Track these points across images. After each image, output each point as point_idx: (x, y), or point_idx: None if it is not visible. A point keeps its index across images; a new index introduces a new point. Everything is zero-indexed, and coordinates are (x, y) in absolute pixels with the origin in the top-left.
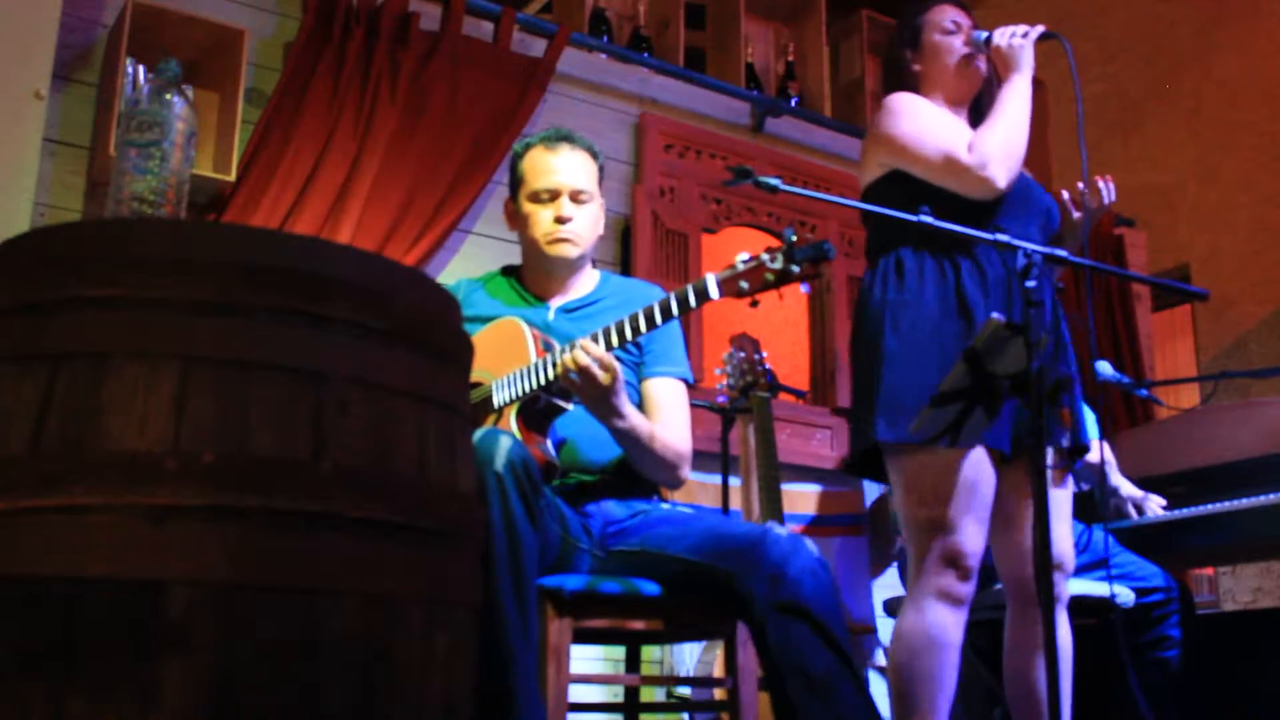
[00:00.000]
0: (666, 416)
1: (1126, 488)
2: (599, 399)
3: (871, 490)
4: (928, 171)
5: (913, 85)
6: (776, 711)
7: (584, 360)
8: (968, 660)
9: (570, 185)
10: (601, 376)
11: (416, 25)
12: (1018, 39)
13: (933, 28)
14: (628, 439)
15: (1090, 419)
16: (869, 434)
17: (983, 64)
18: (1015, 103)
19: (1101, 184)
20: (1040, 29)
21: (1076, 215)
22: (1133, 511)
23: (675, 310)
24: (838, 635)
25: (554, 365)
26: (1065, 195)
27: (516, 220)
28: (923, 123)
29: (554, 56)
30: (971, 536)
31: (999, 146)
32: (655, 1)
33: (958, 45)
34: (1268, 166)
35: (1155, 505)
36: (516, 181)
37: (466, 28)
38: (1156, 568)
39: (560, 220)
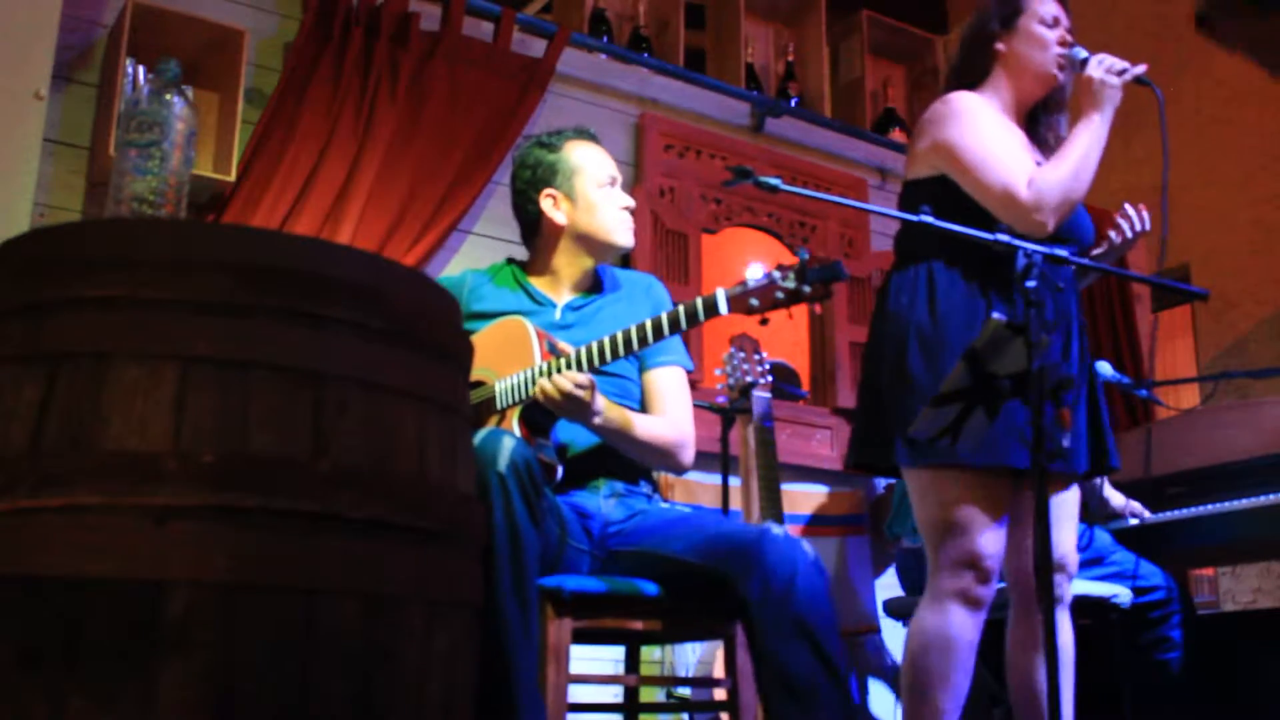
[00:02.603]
0: (667, 405)
1: (1116, 499)
2: (579, 413)
3: (873, 490)
4: (981, 195)
5: (986, 65)
6: (764, 712)
7: (566, 387)
8: None
9: (620, 177)
10: (583, 395)
11: (416, 25)
12: (1112, 76)
13: (1032, 14)
14: (607, 433)
15: None
16: (888, 454)
17: (1062, 74)
18: (1087, 145)
19: (1134, 214)
20: (1139, 70)
21: (1118, 239)
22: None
23: (683, 324)
24: (824, 640)
25: (536, 385)
26: (1129, 209)
27: (575, 210)
28: (986, 140)
29: (554, 56)
30: (989, 539)
31: (1058, 191)
32: (655, 1)
33: (1050, 40)
34: (1268, 166)
35: (1143, 511)
36: (570, 172)
37: (466, 28)
38: (1155, 568)
39: (626, 208)
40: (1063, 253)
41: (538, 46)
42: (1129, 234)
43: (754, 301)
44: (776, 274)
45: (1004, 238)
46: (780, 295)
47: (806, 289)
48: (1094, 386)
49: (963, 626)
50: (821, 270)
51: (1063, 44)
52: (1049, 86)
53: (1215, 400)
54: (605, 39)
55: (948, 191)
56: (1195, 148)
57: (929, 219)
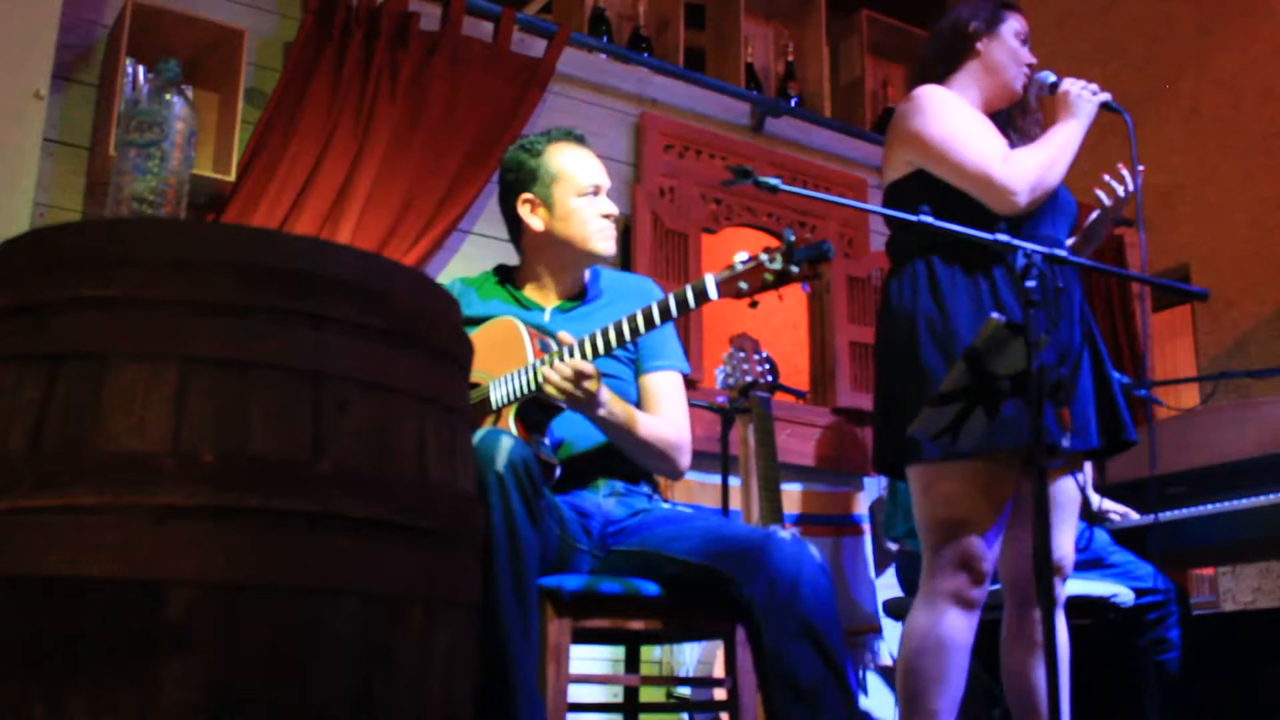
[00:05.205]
0: (664, 408)
1: (1098, 501)
2: (584, 404)
3: (871, 490)
4: (957, 176)
5: (959, 59)
6: (766, 715)
7: (570, 373)
8: None
9: (606, 183)
10: (588, 385)
11: (416, 25)
12: (1087, 94)
13: (1011, 27)
14: (611, 428)
15: None
16: (914, 450)
17: (1021, 89)
18: (1064, 140)
19: (1116, 184)
20: (1107, 96)
21: (1109, 201)
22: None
23: (674, 311)
24: (831, 644)
25: (539, 377)
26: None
27: (552, 218)
28: (958, 125)
29: (554, 56)
30: (986, 540)
31: (1034, 172)
32: (655, 1)
33: (1024, 56)
34: (1268, 166)
35: (1129, 513)
36: (549, 178)
37: (466, 28)
38: (1151, 568)
39: (608, 216)
40: (1062, 251)
41: (538, 46)
42: (1120, 195)
43: (743, 285)
44: (764, 256)
45: (1003, 238)
46: (768, 277)
47: (794, 269)
48: (1100, 360)
49: (957, 628)
50: (808, 250)
51: (1027, 68)
52: (1011, 99)
53: (1215, 400)
54: (605, 39)
55: (926, 185)
56: (1195, 148)
57: (928, 219)
